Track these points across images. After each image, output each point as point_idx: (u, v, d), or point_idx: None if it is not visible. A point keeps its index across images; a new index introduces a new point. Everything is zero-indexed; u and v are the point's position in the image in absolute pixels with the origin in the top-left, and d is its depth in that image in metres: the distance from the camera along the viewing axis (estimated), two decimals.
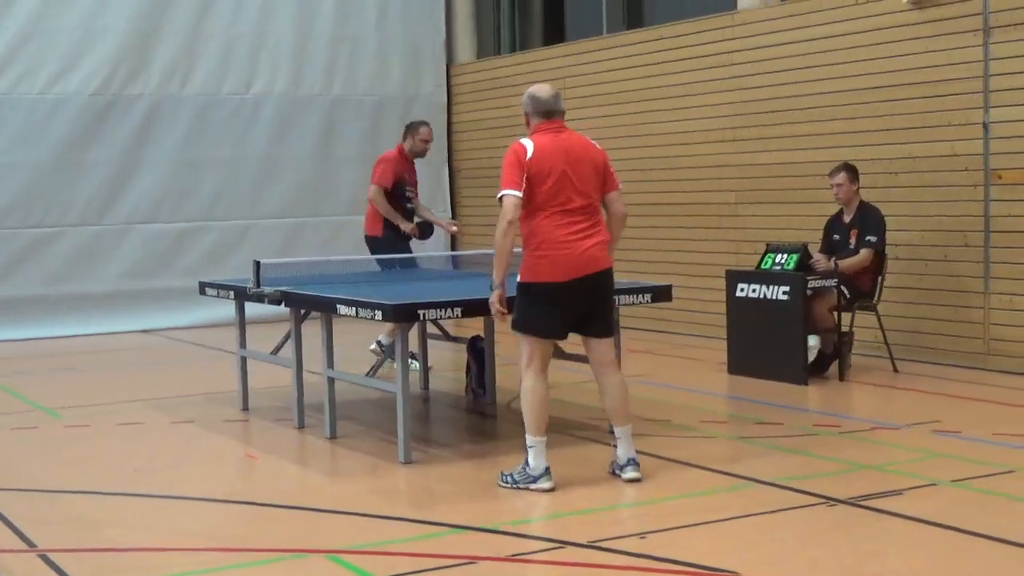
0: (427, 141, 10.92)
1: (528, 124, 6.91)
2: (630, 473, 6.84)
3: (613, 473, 6.96)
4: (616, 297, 7.93)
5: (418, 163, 16.43)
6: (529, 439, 6.75)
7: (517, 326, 6.78)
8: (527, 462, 6.75)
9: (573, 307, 6.74)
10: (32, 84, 14.38)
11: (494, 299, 6.82)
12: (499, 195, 6.65)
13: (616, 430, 6.93)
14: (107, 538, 6.15)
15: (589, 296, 6.77)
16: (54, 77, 14.47)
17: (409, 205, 10.85)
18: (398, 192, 10.73)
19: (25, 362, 12.58)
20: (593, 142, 6.96)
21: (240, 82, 15.45)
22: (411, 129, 10.92)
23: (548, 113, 6.85)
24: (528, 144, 6.72)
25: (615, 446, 6.97)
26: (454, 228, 11.72)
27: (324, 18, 15.91)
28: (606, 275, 6.84)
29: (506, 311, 6.84)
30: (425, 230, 10.85)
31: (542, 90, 6.93)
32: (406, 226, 10.69)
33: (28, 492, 7.09)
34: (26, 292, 14.40)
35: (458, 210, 16.75)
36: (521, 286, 6.76)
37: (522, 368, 6.81)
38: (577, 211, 6.70)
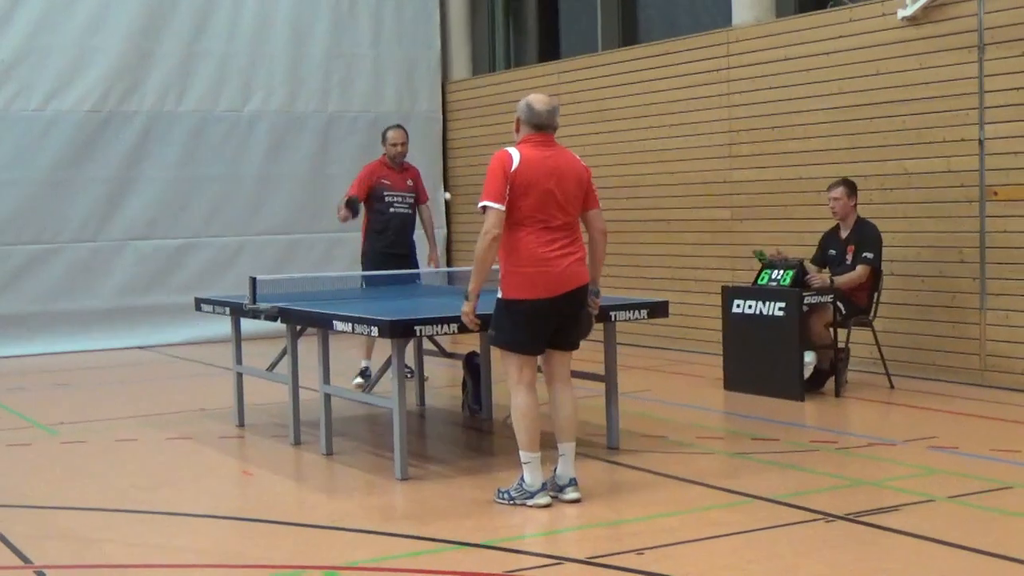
0: (396, 144, 11.01)
1: (517, 131, 6.84)
2: (572, 494, 6.78)
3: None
4: (613, 313, 7.96)
5: None
6: (523, 455, 6.73)
7: (499, 342, 6.77)
8: (523, 478, 6.74)
9: (552, 321, 6.73)
10: (28, 101, 14.38)
11: (467, 309, 6.80)
12: (481, 204, 6.61)
13: (561, 446, 6.86)
14: (103, 554, 6.14)
15: (567, 310, 6.76)
16: (50, 94, 14.47)
17: (393, 211, 10.93)
18: (376, 195, 10.88)
19: (21, 378, 12.56)
20: (578, 158, 6.92)
21: (236, 99, 15.46)
22: (383, 137, 11.17)
23: (541, 127, 6.79)
24: (515, 153, 6.67)
25: (555, 468, 6.87)
26: (432, 264, 11.45)
27: (319, 36, 15.93)
28: (583, 290, 6.83)
29: (478, 324, 6.83)
30: (353, 207, 10.65)
31: (539, 102, 6.84)
32: (341, 212, 10.68)
33: (24, 508, 7.06)
34: (22, 309, 14.38)
35: (453, 226, 16.76)
36: (502, 302, 6.73)
37: (511, 384, 6.80)
38: (559, 228, 6.69)
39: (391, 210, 10.95)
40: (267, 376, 9.71)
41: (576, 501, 6.77)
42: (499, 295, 6.75)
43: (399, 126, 11.28)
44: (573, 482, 6.81)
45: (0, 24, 14.24)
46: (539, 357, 6.91)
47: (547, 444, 6.97)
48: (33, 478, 7.92)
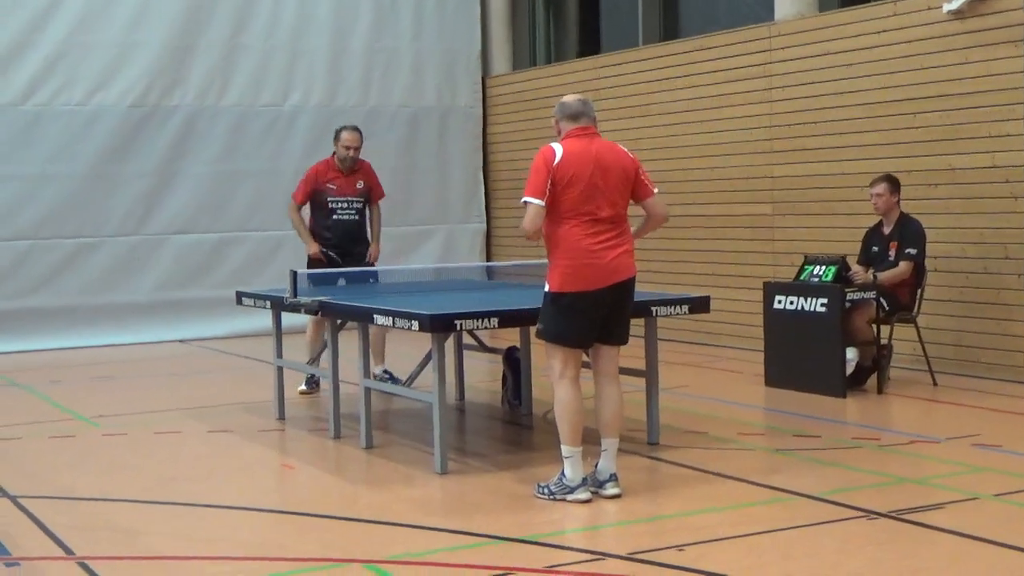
0: (348, 148, 10.33)
1: (559, 133, 6.86)
2: (611, 489, 6.76)
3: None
4: (654, 308, 7.93)
5: (453, 173, 16.32)
6: (565, 450, 6.72)
7: (547, 336, 6.76)
8: (563, 473, 6.73)
9: (600, 314, 6.71)
10: (71, 96, 14.48)
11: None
12: (523, 200, 6.65)
13: (605, 442, 6.84)
14: (144, 546, 6.17)
15: (615, 304, 6.75)
16: (93, 89, 14.56)
17: (335, 217, 10.39)
18: (319, 201, 10.41)
19: (63, 371, 12.65)
20: (626, 150, 6.93)
21: (276, 94, 15.51)
22: (336, 135, 10.50)
23: (576, 116, 6.80)
24: (558, 148, 6.69)
25: (596, 463, 6.86)
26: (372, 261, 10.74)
27: (360, 30, 15.95)
28: (632, 283, 6.82)
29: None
30: (332, 261, 10.26)
31: (570, 97, 6.95)
32: (310, 247, 10.30)
33: (66, 500, 7.11)
34: (64, 302, 14.49)
35: (493, 221, 16.75)
36: (549, 295, 6.73)
37: (555, 379, 6.79)
38: (606, 220, 6.68)
39: (333, 217, 10.39)
40: (308, 370, 9.76)
41: (616, 496, 6.74)
42: (546, 288, 6.73)
43: (355, 128, 10.56)
44: (614, 477, 6.79)
45: (43, 19, 14.34)
46: (586, 352, 6.89)
47: (588, 439, 6.94)
48: (75, 470, 7.97)
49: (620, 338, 6.90)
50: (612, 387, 6.90)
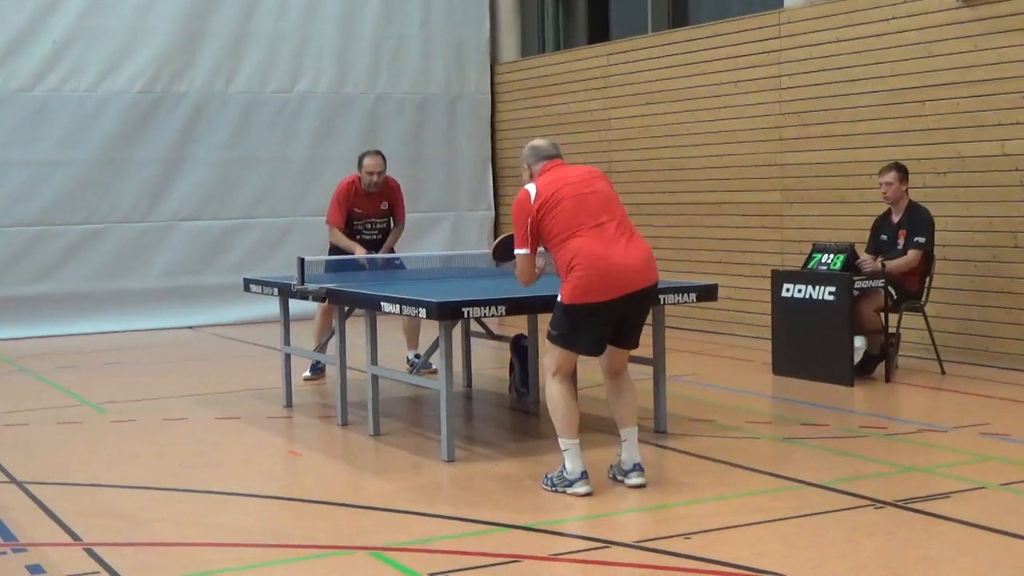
0: (372, 173, 10.36)
1: (532, 176, 6.85)
2: (635, 479, 6.75)
3: (614, 478, 6.86)
4: (661, 296, 7.92)
5: (461, 160, 16.33)
6: (562, 443, 6.69)
7: (557, 341, 6.71)
8: (564, 466, 6.70)
9: (614, 322, 6.66)
10: (79, 82, 14.49)
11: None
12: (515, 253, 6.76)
13: (623, 432, 6.82)
14: (152, 533, 6.18)
15: (631, 311, 6.69)
16: (101, 75, 14.57)
17: (358, 239, 10.43)
18: (348, 226, 10.46)
19: (71, 357, 12.67)
20: (594, 168, 7.01)
21: (285, 80, 15.51)
22: (359, 162, 10.52)
23: (548, 156, 6.86)
24: (531, 188, 6.71)
25: (620, 452, 6.86)
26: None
27: (368, 17, 15.93)
28: (653, 289, 6.79)
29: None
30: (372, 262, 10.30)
31: (538, 140, 7.05)
32: (359, 250, 10.27)
33: (74, 486, 7.12)
34: (72, 288, 14.51)
35: (501, 208, 16.74)
36: (562, 306, 6.65)
37: (545, 373, 6.78)
38: (609, 225, 6.61)
39: (356, 238, 10.42)
40: (315, 357, 9.76)
41: (640, 486, 6.72)
42: (559, 298, 6.69)
43: (377, 152, 10.59)
44: (637, 467, 6.76)
45: (52, 5, 14.34)
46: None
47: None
48: (82, 456, 7.99)
49: (631, 343, 6.86)
50: (626, 380, 6.89)
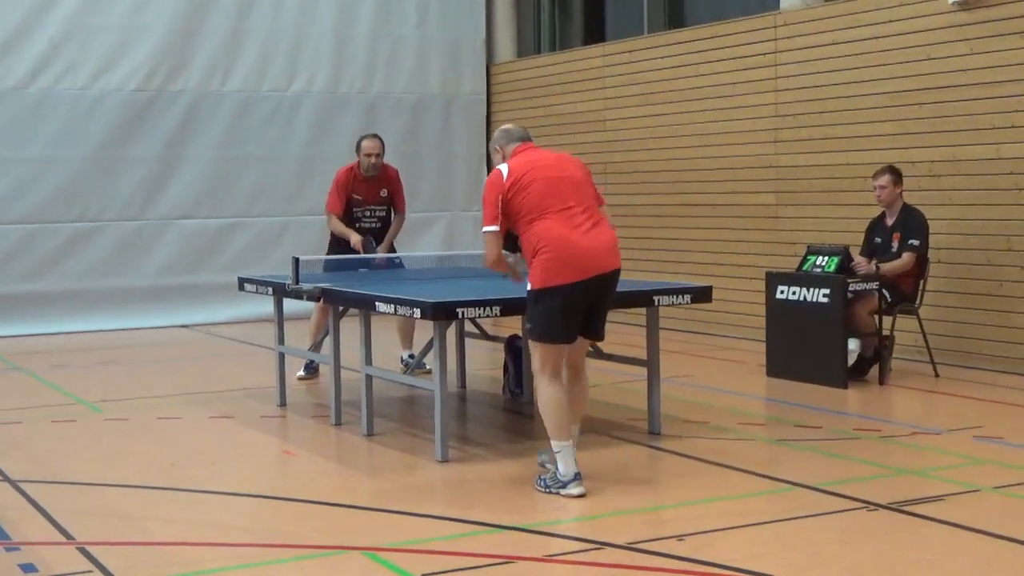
0: (371, 155, 10.33)
1: (504, 157, 6.92)
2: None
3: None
4: (656, 298, 7.92)
5: (457, 160, 16.33)
6: (554, 444, 6.69)
7: (536, 334, 6.71)
8: (557, 468, 6.71)
9: (584, 307, 6.68)
10: (74, 80, 14.47)
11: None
12: (482, 231, 6.78)
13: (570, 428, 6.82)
14: (145, 532, 6.17)
15: (598, 296, 6.71)
16: (96, 73, 14.55)
17: (359, 226, 10.39)
18: (345, 210, 10.44)
19: (65, 356, 12.66)
20: (570, 155, 7.06)
21: (280, 79, 15.50)
22: (357, 146, 10.50)
23: (520, 139, 6.96)
24: (503, 168, 6.77)
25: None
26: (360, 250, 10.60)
27: (364, 16, 15.93)
28: (615, 276, 6.79)
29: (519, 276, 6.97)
30: (368, 246, 10.28)
31: (509, 125, 7.15)
32: (354, 237, 10.26)
33: (67, 485, 7.11)
34: (66, 286, 14.50)
35: None
36: (533, 294, 6.67)
37: (536, 374, 6.78)
38: (576, 209, 6.66)
39: (356, 226, 10.40)
40: (309, 356, 9.75)
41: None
42: (528, 287, 6.70)
43: (375, 135, 10.62)
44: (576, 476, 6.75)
45: (48, 3, 14.32)
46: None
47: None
48: (76, 455, 7.98)
49: (597, 333, 6.89)
50: (581, 381, 6.94)
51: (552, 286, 6.57)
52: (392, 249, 10.69)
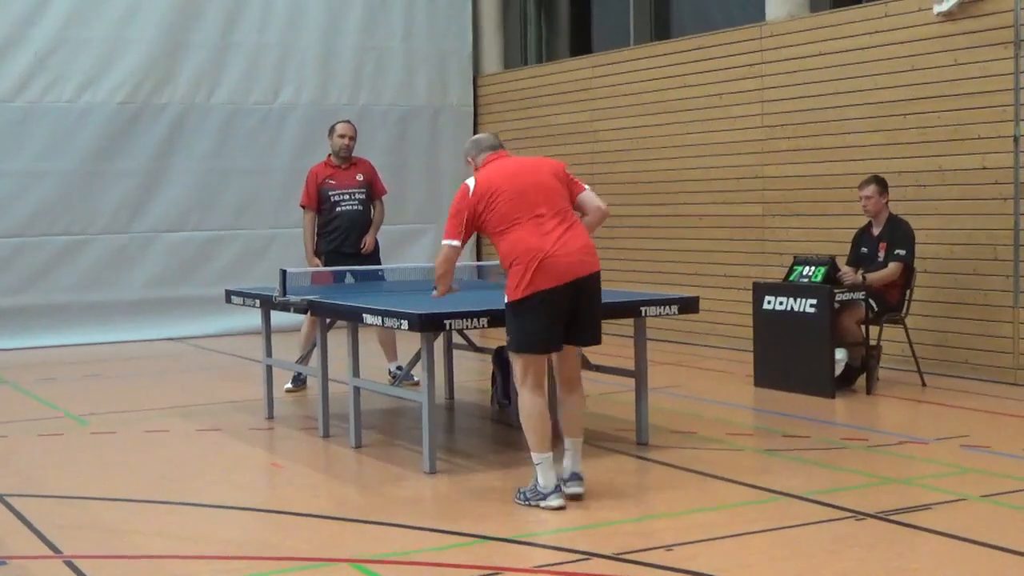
0: (344, 136, 10.52)
1: (476, 168, 6.93)
2: (574, 487, 6.72)
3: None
4: (643, 308, 7.93)
5: (444, 172, 16.31)
6: (534, 456, 6.67)
7: (516, 347, 6.69)
8: (536, 479, 6.69)
9: (563, 315, 6.65)
10: (60, 93, 14.45)
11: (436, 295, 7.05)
12: (442, 241, 6.80)
13: (568, 441, 6.81)
14: (132, 545, 6.16)
15: (579, 302, 6.68)
16: (82, 86, 14.53)
17: (339, 209, 10.49)
18: (322, 198, 10.51)
19: (52, 369, 12.62)
20: (544, 158, 7.06)
21: (267, 92, 15.50)
22: (330, 130, 10.70)
23: (491, 147, 6.95)
24: (470, 182, 6.76)
25: (563, 462, 6.83)
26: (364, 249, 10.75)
27: (351, 28, 15.94)
28: (595, 279, 6.76)
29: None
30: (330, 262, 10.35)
31: (480, 134, 7.20)
32: (309, 261, 10.39)
33: (54, 498, 7.09)
34: (53, 299, 14.47)
35: None
36: (511, 305, 6.66)
37: (517, 385, 6.77)
38: (547, 216, 6.64)
39: (338, 209, 10.50)
40: (297, 368, 9.74)
41: (578, 496, 6.70)
42: (506, 300, 6.69)
43: (348, 120, 10.94)
44: (576, 476, 6.75)
45: (34, 16, 14.31)
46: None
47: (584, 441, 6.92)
48: (63, 468, 7.96)
49: (590, 339, 6.84)
50: (577, 394, 6.89)
51: (527, 295, 6.56)
52: (377, 245, 10.69)
